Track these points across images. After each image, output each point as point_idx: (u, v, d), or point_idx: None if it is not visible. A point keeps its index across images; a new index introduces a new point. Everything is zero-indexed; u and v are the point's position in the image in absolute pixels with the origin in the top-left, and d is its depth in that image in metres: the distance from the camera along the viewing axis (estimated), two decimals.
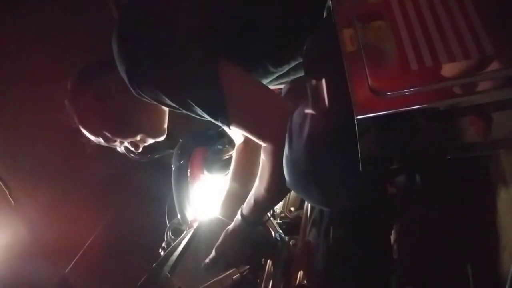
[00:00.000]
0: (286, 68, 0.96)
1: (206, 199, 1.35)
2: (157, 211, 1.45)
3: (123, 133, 1.02)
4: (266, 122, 0.81)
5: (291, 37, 0.88)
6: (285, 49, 0.91)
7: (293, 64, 0.95)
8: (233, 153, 1.22)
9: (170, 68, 0.79)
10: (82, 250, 1.65)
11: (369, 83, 0.54)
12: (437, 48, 0.53)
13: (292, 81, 1.07)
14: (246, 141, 1.17)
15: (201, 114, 0.83)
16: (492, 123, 0.52)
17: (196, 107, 0.81)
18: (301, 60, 0.92)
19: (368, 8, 0.62)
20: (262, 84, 0.92)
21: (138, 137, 1.03)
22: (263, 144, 0.82)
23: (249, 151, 1.16)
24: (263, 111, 0.82)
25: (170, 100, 0.82)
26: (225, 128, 0.84)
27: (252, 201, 0.92)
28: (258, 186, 0.89)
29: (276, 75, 0.97)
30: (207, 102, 0.80)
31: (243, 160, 1.18)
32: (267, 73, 0.95)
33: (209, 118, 0.83)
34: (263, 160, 0.84)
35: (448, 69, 0.52)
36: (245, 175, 1.17)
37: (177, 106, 0.84)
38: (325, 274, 0.86)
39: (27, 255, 1.51)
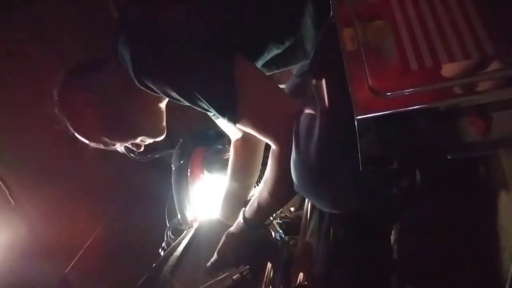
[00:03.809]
0: (287, 44, 0.91)
1: (206, 199, 1.35)
2: (157, 211, 1.45)
3: (123, 137, 0.97)
4: (278, 123, 0.78)
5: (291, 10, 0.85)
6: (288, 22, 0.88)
7: (292, 39, 0.91)
8: (231, 149, 1.18)
9: (181, 61, 0.76)
10: (82, 250, 1.65)
11: (369, 83, 0.54)
12: (437, 48, 0.53)
13: (293, 81, 1.06)
14: (245, 137, 1.14)
15: (207, 108, 0.80)
16: (492, 123, 0.52)
17: (203, 101, 0.78)
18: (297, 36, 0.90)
19: (368, 8, 0.62)
20: (274, 83, 0.89)
21: (139, 139, 0.99)
22: (272, 146, 0.81)
23: (248, 148, 1.15)
24: (275, 111, 0.79)
25: (176, 93, 0.79)
26: (231, 124, 0.81)
27: (255, 204, 0.92)
28: (263, 190, 0.88)
29: (276, 53, 0.92)
30: (217, 96, 0.77)
31: (241, 158, 1.16)
32: (270, 52, 0.91)
33: (214, 113, 0.81)
34: (270, 163, 0.83)
35: (448, 69, 0.52)
36: (243, 173, 1.16)
37: (182, 99, 0.81)
38: (325, 274, 0.86)
39: (27, 255, 1.51)
